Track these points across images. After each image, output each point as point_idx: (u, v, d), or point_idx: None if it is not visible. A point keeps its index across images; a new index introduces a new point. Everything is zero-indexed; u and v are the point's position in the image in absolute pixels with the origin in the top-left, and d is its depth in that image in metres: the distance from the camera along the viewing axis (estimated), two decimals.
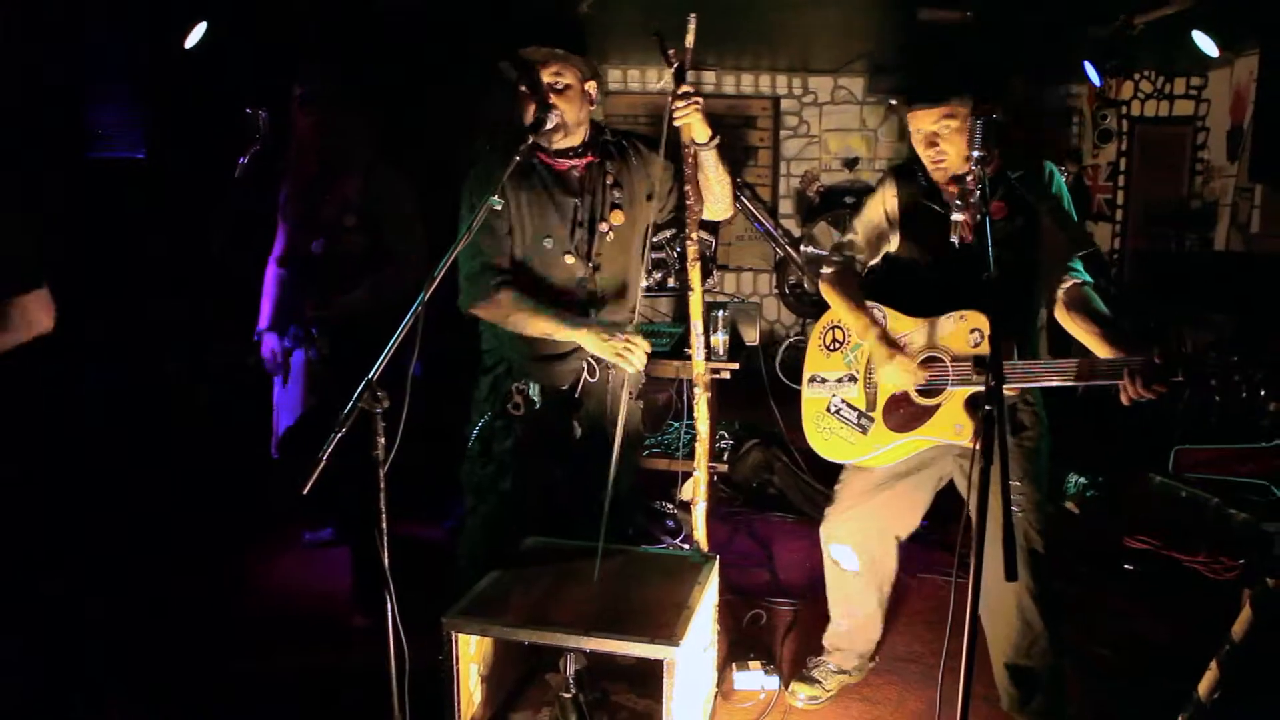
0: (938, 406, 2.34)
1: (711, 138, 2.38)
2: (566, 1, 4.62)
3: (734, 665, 2.82)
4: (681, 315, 6.12)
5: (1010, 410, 2.36)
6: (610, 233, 2.46)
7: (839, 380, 2.56)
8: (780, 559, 3.79)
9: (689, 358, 2.54)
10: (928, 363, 2.36)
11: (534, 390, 2.48)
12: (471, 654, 2.21)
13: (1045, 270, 2.35)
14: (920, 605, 3.36)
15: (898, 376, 2.38)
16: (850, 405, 2.52)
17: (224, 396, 4.19)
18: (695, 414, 2.57)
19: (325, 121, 3.02)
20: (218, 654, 2.98)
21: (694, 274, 2.48)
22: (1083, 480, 4.31)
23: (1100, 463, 4.41)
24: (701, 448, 2.58)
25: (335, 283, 3.03)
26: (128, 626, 3.11)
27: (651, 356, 3.80)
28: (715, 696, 2.63)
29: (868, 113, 7.71)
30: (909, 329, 2.42)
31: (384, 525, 1.77)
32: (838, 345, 2.59)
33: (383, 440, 1.73)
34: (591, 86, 2.43)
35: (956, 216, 2.18)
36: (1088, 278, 2.27)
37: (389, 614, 1.79)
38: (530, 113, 2.34)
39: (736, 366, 3.79)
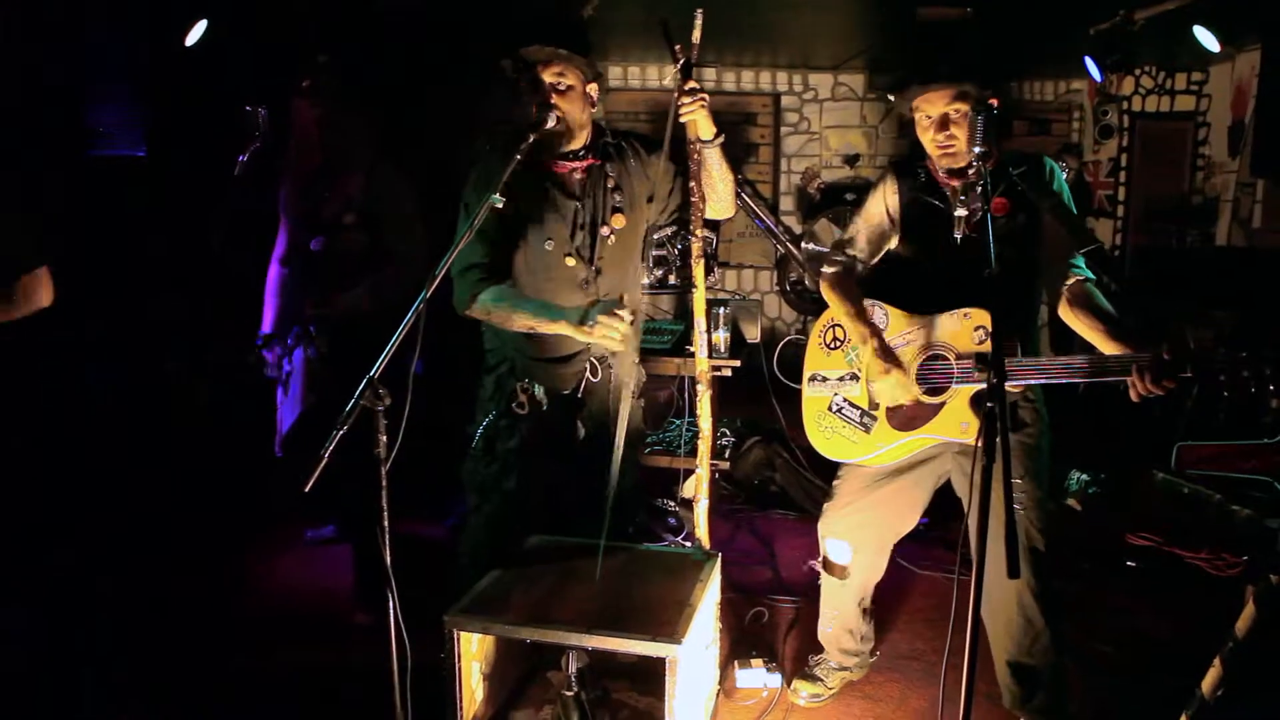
0: (943, 404, 2.33)
1: (716, 135, 2.37)
2: (569, 1, 4.61)
3: (736, 663, 2.82)
4: (683, 312, 6.12)
5: (1011, 407, 2.35)
6: (611, 236, 2.46)
7: (840, 379, 2.55)
8: (782, 556, 3.79)
9: (690, 355, 2.53)
10: (931, 360, 2.35)
11: (538, 390, 2.47)
12: (473, 652, 2.21)
13: (1048, 267, 2.34)
14: (921, 603, 3.36)
15: (893, 393, 2.37)
16: (852, 404, 2.51)
17: (224, 396, 4.19)
18: (697, 411, 2.57)
19: (329, 116, 3.01)
20: (219, 652, 2.98)
21: (698, 271, 2.48)
22: (1085, 477, 4.31)
23: (1102, 459, 4.41)
24: (703, 445, 2.58)
25: (335, 281, 3.02)
26: (129, 625, 3.11)
27: (653, 354, 3.85)
28: (717, 694, 2.62)
29: (868, 109, 7.70)
30: (911, 326, 2.41)
31: (386, 523, 1.77)
32: (838, 343, 2.57)
33: (384, 438, 1.73)
34: (593, 88, 2.42)
35: (958, 212, 2.17)
36: (1090, 274, 2.27)
37: (391, 612, 1.79)
38: (531, 112, 2.33)
39: (738, 364, 3.79)
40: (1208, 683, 2.06)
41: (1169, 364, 1.94)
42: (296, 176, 3.12)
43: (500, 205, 2.09)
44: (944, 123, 2.29)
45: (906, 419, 2.40)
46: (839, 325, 2.58)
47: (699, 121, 2.33)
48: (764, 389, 4.10)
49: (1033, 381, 2.19)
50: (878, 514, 2.55)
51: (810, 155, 7.73)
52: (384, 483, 1.74)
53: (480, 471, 2.52)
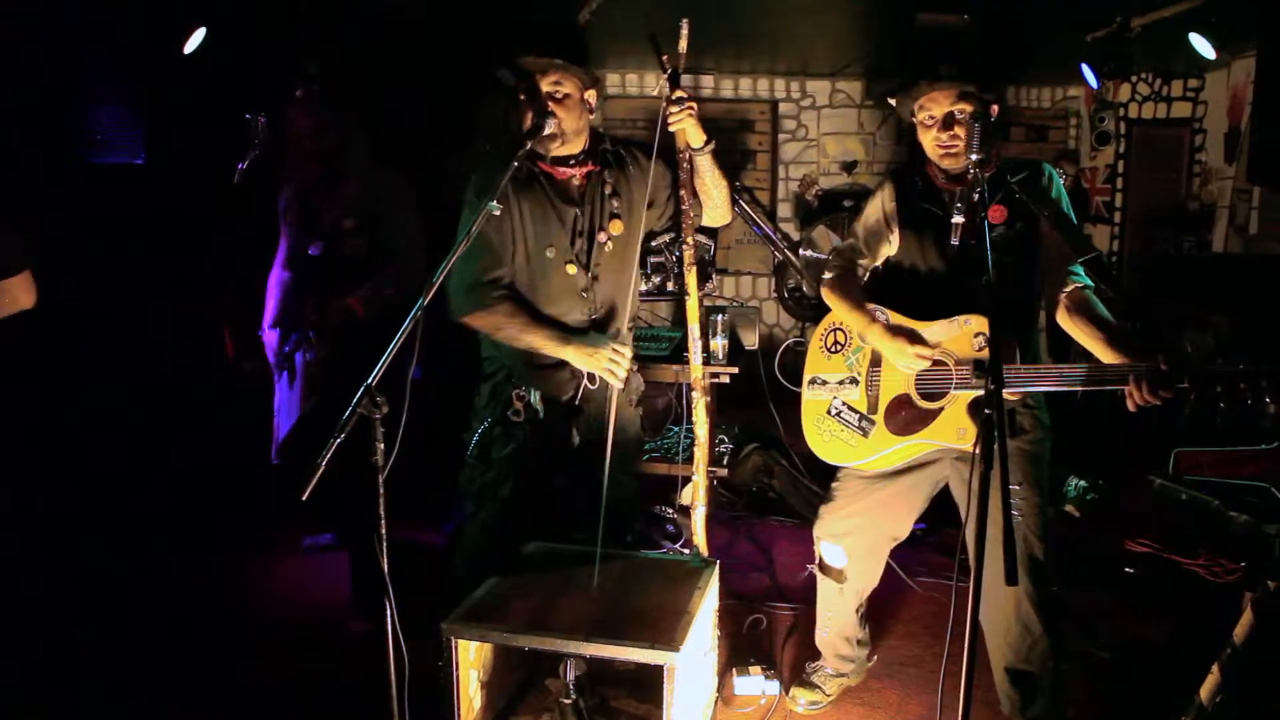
0: (940, 410, 2.33)
1: (706, 142, 2.38)
2: (567, 9, 4.62)
3: (734, 670, 2.82)
4: (680, 319, 6.12)
5: (1010, 414, 2.35)
6: (609, 243, 2.46)
7: (840, 382, 2.55)
8: (780, 563, 3.79)
9: (688, 362, 2.53)
10: (931, 366, 2.35)
11: (534, 397, 2.47)
12: (471, 660, 2.20)
13: (1046, 274, 2.34)
14: (920, 610, 3.36)
15: (897, 355, 2.34)
16: (851, 408, 2.52)
17: (224, 398, 4.19)
18: (694, 418, 2.57)
19: (324, 124, 3.02)
20: (217, 659, 2.97)
21: (690, 279, 2.48)
22: (1083, 483, 4.30)
23: (1100, 466, 4.41)
24: (701, 452, 2.58)
25: (334, 285, 3.03)
26: (126, 632, 3.10)
27: (651, 360, 3.85)
28: (716, 702, 2.62)
29: (866, 116, 7.71)
30: None
31: (383, 530, 1.76)
32: (839, 347, 2.58)
33: (382, 445, 1.73)
34: (591, 95, 2.43)
35: (956, 219, 2.18)
36: (1089, 281, 2.27)
37: (388, 619, 1.78)
38: (528, 119, 2.34)
39: (736, 371, 3.79)
40: (1206, 689, 2.06)
41: (1166, 375, 1.94)
42: (295, 184, 3.13)
43: (498, 212, 2.09)
44: (948, 122, 2.30)
45: (904, 424, 2.40)
46: (840, 329, 2.58)
47: (688, 130, 2.34)
48: (762, 396, 4.10)
49: (1026, 389, 2.20)
50: (874, 518, 2.55)
51: (808, 162, 7.74)
52: (382, 490, 1.74)
53: (476, 479, 2.51)
